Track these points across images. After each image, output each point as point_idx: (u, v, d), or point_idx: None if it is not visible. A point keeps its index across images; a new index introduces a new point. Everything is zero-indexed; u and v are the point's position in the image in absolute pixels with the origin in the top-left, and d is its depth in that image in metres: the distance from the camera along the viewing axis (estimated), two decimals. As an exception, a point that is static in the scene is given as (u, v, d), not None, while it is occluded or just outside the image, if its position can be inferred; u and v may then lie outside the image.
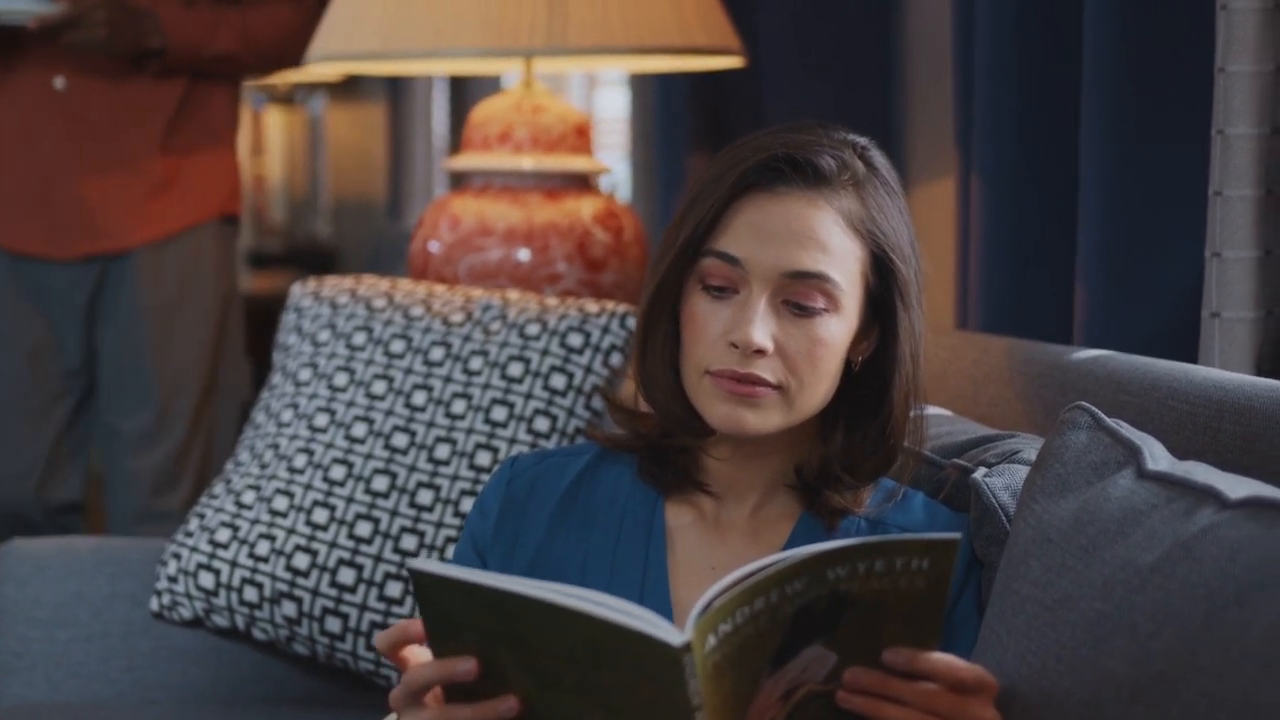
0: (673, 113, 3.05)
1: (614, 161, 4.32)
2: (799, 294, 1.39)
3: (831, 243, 1.39)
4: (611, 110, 4.39)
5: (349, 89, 7.12)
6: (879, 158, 1.47)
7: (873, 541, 1.12)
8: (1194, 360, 1.73)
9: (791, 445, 1.46)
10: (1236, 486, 1.15)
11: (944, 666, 1.18)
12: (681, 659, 1.07)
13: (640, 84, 3.34)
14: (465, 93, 5.23)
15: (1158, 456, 1.26)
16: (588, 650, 1.10)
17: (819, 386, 1.41)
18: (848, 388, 1.45)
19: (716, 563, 1.46)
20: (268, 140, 8.03)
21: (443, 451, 2.11)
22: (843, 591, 1.12)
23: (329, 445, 2.14)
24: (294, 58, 2.90)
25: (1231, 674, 1.00)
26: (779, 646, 1.13)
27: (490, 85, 4.50)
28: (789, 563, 1.10)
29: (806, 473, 1.46)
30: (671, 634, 1.07)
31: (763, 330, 1.38)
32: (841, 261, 1.40)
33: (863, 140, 1.47)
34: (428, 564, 1.15)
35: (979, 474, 1.46)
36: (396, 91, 6.19)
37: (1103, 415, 1.33)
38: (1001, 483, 1.43)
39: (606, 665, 1.10)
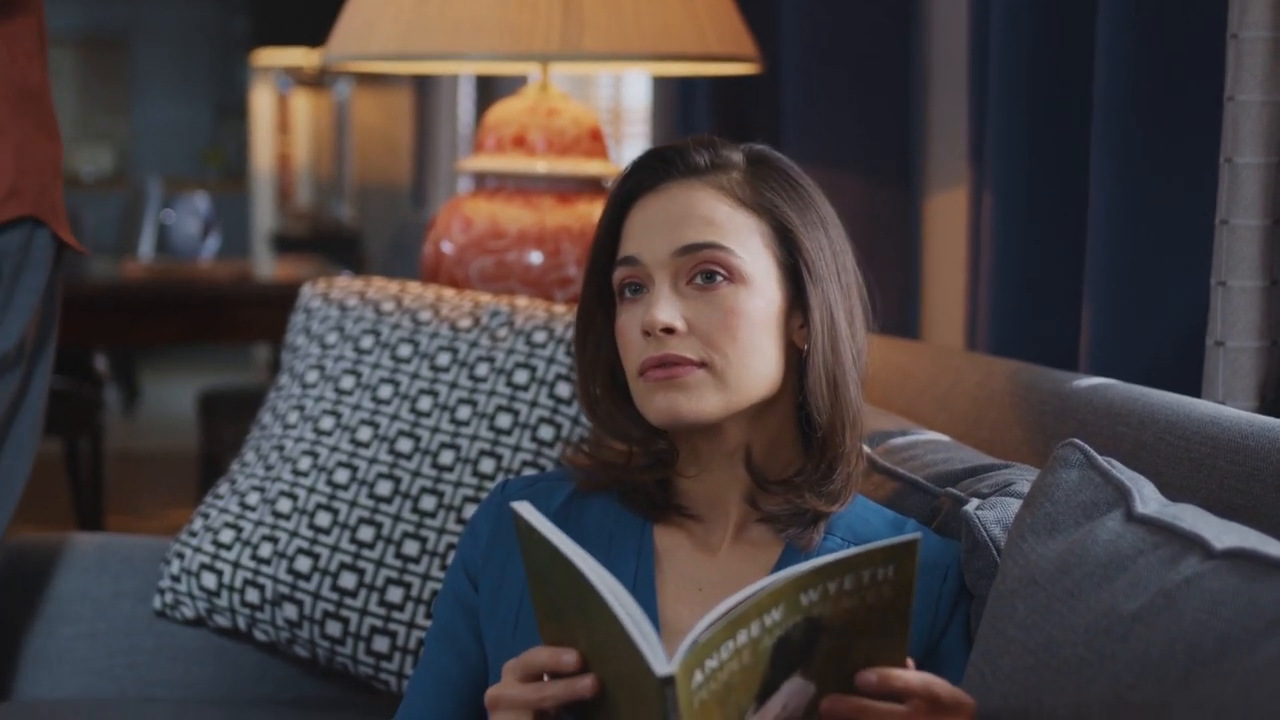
0: (694, 113, 3.04)
1: (640, 151, 4.31)
2: (696, 268, 1.41)
3: (717, 217, 1.42)
4: (639, 100, 4.38)
5: (376, 75, 7.13)
6: (773, 154, 1.49)
7: (838, 558, 1.12)
8: (1198, 389, 1.72)
9: (750, 443, 1.46)
10: (1223, 534, 1.15)
11: (919, 684, 1.17)
12: (662, 691, 1.07)
13: (662, 83, 3.33)
14: (491, 82, 5.23)
15: (1147, 498, 1.26)
16: (617, 643, 1.11)
17: (748, 360, 1.41)
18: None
19: (704, 583, 1.46)
20: (294, 123, 8.05)
21: (447, 457, 2.11)
22: (816, 616, 1.13)
23: (334, 448, 2.14)
24: None
25: (1207, 732, 0.99)
26: (762, 682, 1.13)
27: (517, 81, 4.50)
28: (765, 592, 1.10)
29: (752, 484, 1.46)
30: (660, 662, 1.08)
31: (667, 309, 1.40)
32: (734, 233, 1.42)
33: (757, 145, 1.50)
34: (524, 507, 1.18)
35: (971, 506, 1.45)
36: (423, 79, 6.19)
37: (1095, 454, 1.33)
38: (993, 516, 1.43)
39: (625, 664, 1.11)
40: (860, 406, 1.46)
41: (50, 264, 2.10)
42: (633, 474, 1.48)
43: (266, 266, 6.08)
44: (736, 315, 1.40)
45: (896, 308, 2.51)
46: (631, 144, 4.43)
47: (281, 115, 8.24)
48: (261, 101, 8.53)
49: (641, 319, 1.41)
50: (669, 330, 1.39)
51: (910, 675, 1.17)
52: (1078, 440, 1.35)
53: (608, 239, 1.47)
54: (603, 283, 1.48)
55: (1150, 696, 1.05)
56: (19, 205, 2.05)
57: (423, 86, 6.23)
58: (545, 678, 1.21)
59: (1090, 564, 1.19)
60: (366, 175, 7.50)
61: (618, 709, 1.14)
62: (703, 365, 1.40)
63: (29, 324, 2.04)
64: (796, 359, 1.45)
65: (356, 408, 2.17)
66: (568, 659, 1.18)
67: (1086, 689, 1.11)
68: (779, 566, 1.45)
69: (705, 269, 1.41)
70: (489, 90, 5.29)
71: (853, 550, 1.12)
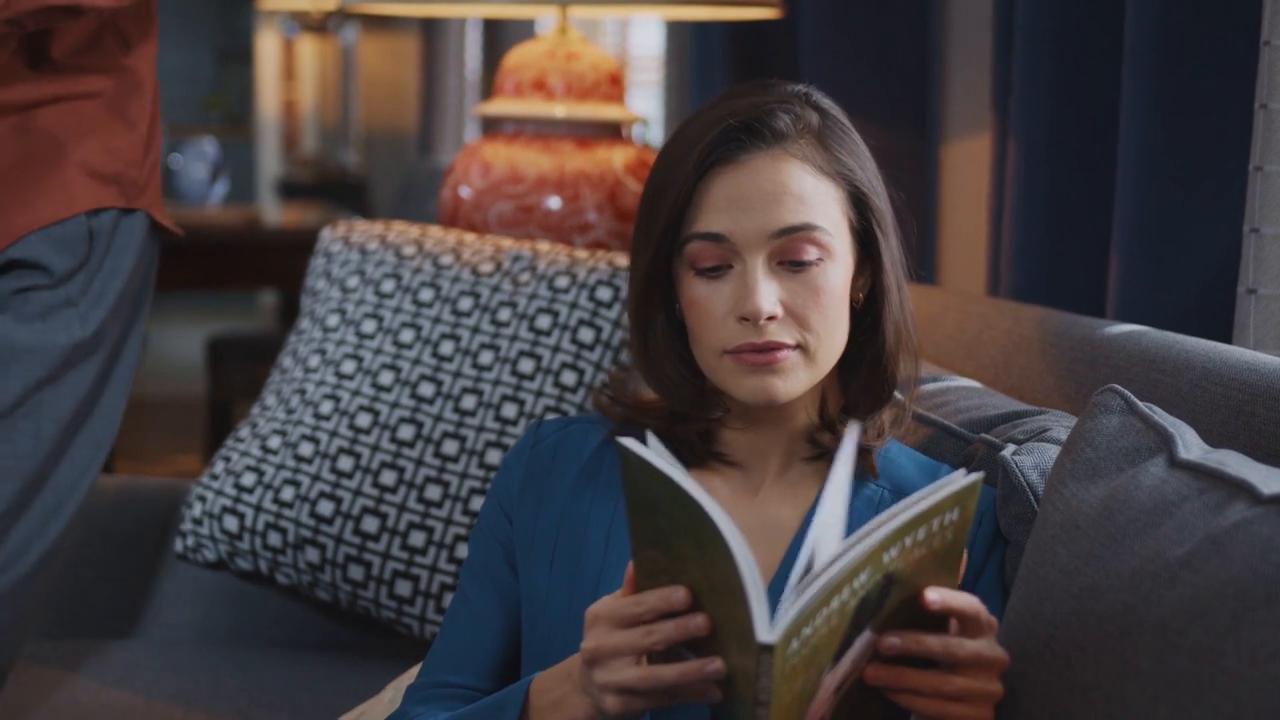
0: (709, 59, 3.02)
1: (649, 99, 4.29)
2: (792, 251, 1.39)
3: (806, 192, 1.40)
4: (647, 47, 4.35)
5: (382, 19, 7.09)
6: (825, 100, 1.47)
7: (914, 515, 1.12)
8: (1228, 336, 1.71)
9: (806, 400, 1.46)
10: (1270, 480, 1.14)
11: (970, 606, 1.18)
12: (759, 656, 1.07)
13: (677, 29, 3.31)
14: (499, 27, 5.21)
15: (1190, 444, 1.25)
16: (732, 588, 1.11)
17: (834, 335, 1.41)
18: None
19: (740, 528, 1.46)
20: (299, 69, 8.01)
21: (469, 402, 2.10)
22: (892, 571, 1.13)
23: (355, 393, 2.14)
24: None
25: (1258, 677, 0.99)
26: (841, 642, 1.13)
27: (525, 26, 4.47)
28: (858, 558, 1.10)
29: (813, 429, 1.46)
30: (764, 627, 1.08)
31: (768, 297, 1.38)
32: (823, 208, 1.40)
33: (803, 87, 1.47)
34: (632, 443, 1.16)
35: (1007, 451, 1.45)
36: (430, 24, 6.15)
37: (1135, 399, 1.32)
38: (1030, 461, 1.42)
39: (736, 611, 1.11)
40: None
41: (139, 249, 1.95)
42: (672, 424, 1.48)
43: (274, 213, 6.06)
44: (826, 293, 1.39)
45: (914, 254, 2.49)
46: (640, 92, 4.40)
47: (287, 61, 8.20)
48: (266, 47, 8.49)
49: (735, 304, 1.38)
50: (771, 318, 1.38)
51: (963, 596, 1.18)
52: (1118, 386, 1.34)
53: (679, 208, 1.41)
54: (668, 252, 1.43)
55: (1199, 642, 1.05)
56: (116, 195, 1.92)
57: (429, 31, 6.19)
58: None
59: (1134, 509, 1.19)
60: (373, 121, 7.47)
61: (724, 646, 1.14)
62: (797, 347, 1.39)
63: (110, 311, 1.91)
64: (852, 313, 1.44)
65: (378, 352, 2.16)
66: (678, 596, 1.16)
67: (1132, 634, 1.10)
68: (815, 508, 1.45)
69: (802, 249, 1.39)
70: (496, 35, 5.26)
71: (925, 503, 1.12)
